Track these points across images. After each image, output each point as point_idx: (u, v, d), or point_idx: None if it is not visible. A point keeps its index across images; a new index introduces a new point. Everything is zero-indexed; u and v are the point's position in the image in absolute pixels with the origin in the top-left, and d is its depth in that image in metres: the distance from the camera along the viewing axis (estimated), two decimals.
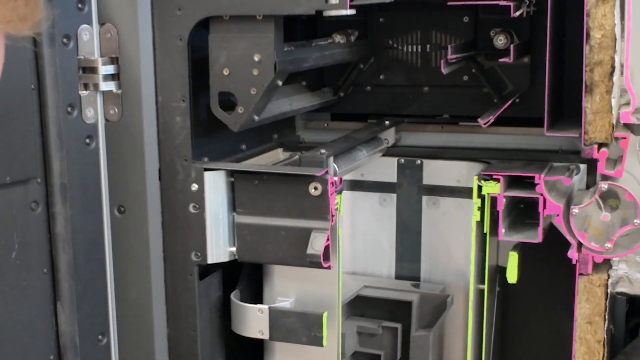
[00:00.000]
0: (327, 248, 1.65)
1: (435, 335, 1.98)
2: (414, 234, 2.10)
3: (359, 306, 2.03)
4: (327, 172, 1.65)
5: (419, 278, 2.12)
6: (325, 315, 1.71)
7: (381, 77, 2.19)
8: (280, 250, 1.69)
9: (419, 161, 2.09)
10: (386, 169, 2.11)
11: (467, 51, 1.99)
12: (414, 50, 2.16)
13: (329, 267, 1.66)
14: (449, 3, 1.84)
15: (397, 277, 2.13)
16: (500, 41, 2.03)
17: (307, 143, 2.23)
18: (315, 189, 1.65)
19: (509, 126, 2.09)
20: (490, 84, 2.07)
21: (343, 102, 2.22)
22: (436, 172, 2.08)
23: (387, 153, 2.11)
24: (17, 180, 1.56)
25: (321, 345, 1.72)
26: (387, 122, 2.12)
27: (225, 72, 1.66)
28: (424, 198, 2.10)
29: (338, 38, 2.05)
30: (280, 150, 2.13)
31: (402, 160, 2.10)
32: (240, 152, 1.96)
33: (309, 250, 1.64)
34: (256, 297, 1.88)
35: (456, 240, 2.08)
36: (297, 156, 2.11)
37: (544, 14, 1.91)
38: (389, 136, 2.12)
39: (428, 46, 2.15)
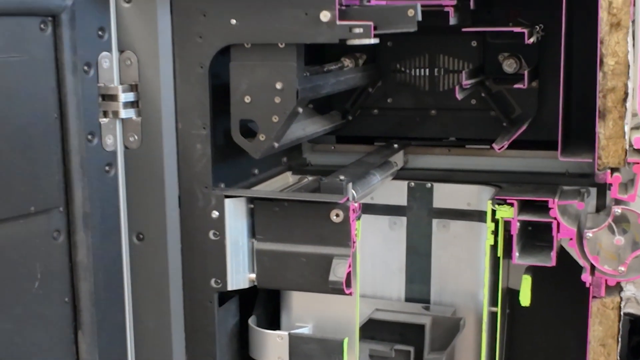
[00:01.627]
0: (348, 274, 1.65)
1: (448, 358, 1.99)
2: (424, 256, 2.12)
3: (370, 329, 2.04)
4: (348, 199, 1.66)
5: (428, 300, 2.14)
6: (346, 341, 1.72)
7: (389, 100, 2.20)
8: (301, 277, 1.69)
9: (429, 184, 2.10)
10: (396, 192, 2.12)
11: (478, 76, 2.01)
12: (422, 74, 2.18)
13: (350, 294, 1.67)
14: (464, 30, 1.86)
15: (407, 299, 2.15)
16: (509, 66, 2.05)
17: (313, 166, 2.24)
18: (337, 215, 1.66)
19: (516, 149, 2.11)
20: (498, 107, 2.09)
21: (349, 125, 2.23)
22: (446, 195, 2.10)
23: (397, 176, 2.12)
24: (41, 210, 1.55)
25: None
26: (395, 145, 2.13)
27: (247, 99, 1.66)
28: (434, 221, 2.12)
29: (347, 62, 2.06)
30: (289, 173, 2.14)
31: (413, 184, 2.11)
32: (253, 177, 1.96)
33: (332, 277, 1.65)
34: (272, 322, 1.88)
35: (466, 263, 2.10)
36: (306, 179, 2.12)
37: (551, 39, 1.94)
38: (398, 159, 2.13)
39: (436, 70, 2.17)
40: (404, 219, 2.14)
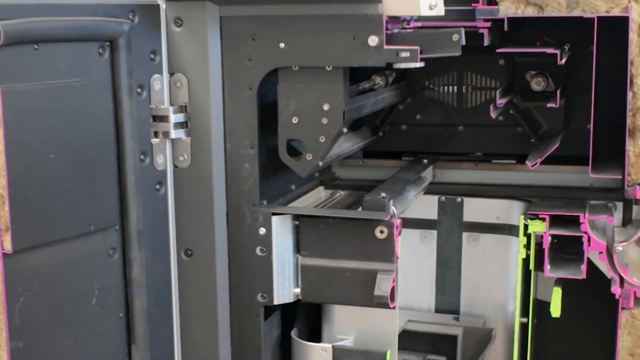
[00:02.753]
0: (392, 289, 1.71)
1: None
2: (454, 269, 2.18)
3: (403, 340, 2.10)
4: (392, 217, 1.72)
5: (458, 312, 2.20)
6: (388, 353, 1.78)
7: (417, 116, 2.27)
8: (345, 291, 1.75)
9: (459, 199, 2.17)
10: (427, 207, 2.18)
11: (509, 94, 2.07)
12: (450, 90, 2.24)
13: (394, 307, 1.72)
14: (498, 51, 1.92)
15: (437, 310, 2.20)
16: (537, 84, 2.12)
17: (342, 180, 2.30)
18: (382, 232, 1.71)
19: (542, 164, 2.17)
20: (526, 124, 2.16)
21: (378, 140, 2.29)
22: (476, 209, 2.16)
23: (427, 191, 2.18)
24: (100, 229, 1.60)
25: None
26: (425, 161, 2.20)
27: (294, 120, 1.72)
28: (464, 234, 2.18)
29: (378, 80, 2.11)
30: (321, 188, 2.20)
31: (443, 198, 2.17)
32: (290, 193, 2.02)
33: (377, 292, 1.70)
34: (311, 334, 1.93)
35: (496, 275, 2.17)
36: (338, 194, 2.18)
37: (576, 58, 2.01)
38: (427, 174, 2.19)
39: (463, 87, 2.23)
40: (434, 232, 2.20)
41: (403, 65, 1.65)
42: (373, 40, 1.63)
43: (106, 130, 1.60)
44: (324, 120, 1.71)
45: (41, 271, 1.51)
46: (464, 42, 1.65)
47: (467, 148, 2.26)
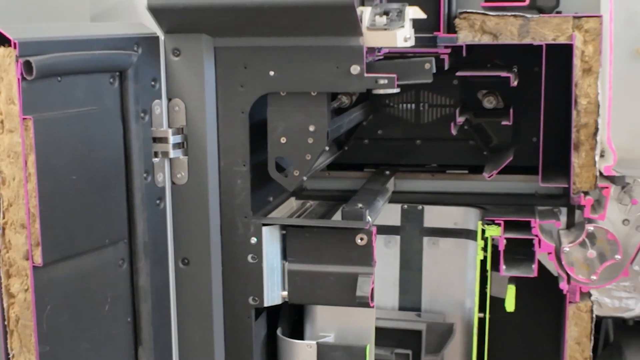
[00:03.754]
0: (372, 290, 1.91)
1: (442, 359, 2.28)
2: (416, 270, 2.39)
3: None
4: (370, 225, 1.93)
5: (420, 309, 2.41)
6: (368, 347, 1.98)
7: (379, 132, 2.47)
8: (329, 293, 1.94)
9: (420, 207, 2.38)
10: (390, 214, 2.39)
11: (465, 112, 2.30)
12: (408, 108, 2.46)
13: (373, 306, 1.93)
14: (458, 74, 2.14)
15: (400, 308, 2.41)
16: (489, 102, 2.35)
17: (310, 191, 2.49)
18: (362, 239, 1.92)
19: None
20: (479, 138, 2.38)
21: (342, 154, 2.49)
22: (436, 216, 2.38)
23: (391, 200, 2.39)
24: (113, 242, 1.77)
25: None
26: (387, 172, 2.41)
27: (283, 140, 1.91)
28: (425, 239, 2.39)
29: (344, 99, 2.31)
30: (293, 199, 2.39)
31: (406, 206, 2.39)
32: (268, 204, 2.20)
33: (359, 293, 1.90)
34: (292, 333, 2.12)
35: (454, 275, 2.39)
36: (309, 204, 2.38)
37: (523, 78, 2.24)
38: (390, 184, 2.40)
39: (421, 105, 2.45)
40: (397, 238, 2.41)
41: (382, 91, 1.85)
42: (355, 69, 1.83)
43: (117, 152, 1.77)
44: (310, 140, 1.90)
45: (64, 282, 1.67)
46: (434, 70, 1.86)
47: (424, 160, 2.48)
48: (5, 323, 1.65)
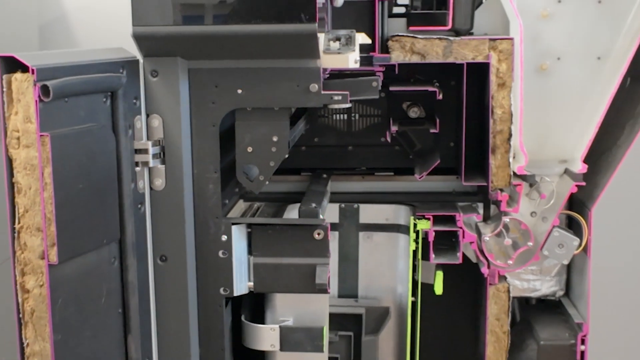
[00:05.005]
0: (328, 278, 2.21)
1: (379, 339, 2.59)
2: (353, 261, 2.69)
3: None
4: (326, 221, 2.22)
5: (357, 295, 2.71)
6: (325, 328, 2.27)
7: (315, 139, 2.77)
8: (290, 282, 2.21)
9: (355, 205, 2.68)
10: (330, 212, 2.68)
11: (395, 122, 2.61)
12: (341, 118, 2.76)
13: (329, 292, 2.22)
14: (391, 89, 2.45)
15: (340, 295, 2.71)
16: (414, 113, 2.67)
17: (252, 194, 2.75)
18: (319, 234, 2.20)
19: (413, 175, 2.73)
20: (405, 143, 2.71)
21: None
22: (369, 213, 2.68)
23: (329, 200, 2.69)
24: (109, 242, 2.01)
25: (322, 352, 2.27)
26: (324, 175, 2.70)
27: (249, 149, 2.18)
28: (360, 234, 2.69)
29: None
30: (241, 201, 2.65)
31: (343, 205, 2.68)
32: (225, 206, 2.46)
33: (318, 281, 2.18)
34: (253, 318, 2.39)
35: (386, 264, 2.70)
36: (256, 205, 2.65)
37: (443, 90, 2.56)
38: (328, 186, 2.70)
39: (352, 115, 2.76)
40: (336, 233, 2.70)
41: (336, 106, 2.15)
42: (313, 87, 2.11)
43: (111, 162, 2.01)
44: (274, 149, 2.17)
45: (72, 278, 1.90)
46: (380, 88, 2.17)
47: (355, 164, 2.78)
48: (20, 316, 1.88)
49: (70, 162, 1.86)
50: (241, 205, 2.64)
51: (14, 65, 1.81)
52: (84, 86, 1.90)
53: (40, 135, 1.79)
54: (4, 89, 1.80)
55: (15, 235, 1.85)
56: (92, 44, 3.19)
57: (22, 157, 1.82)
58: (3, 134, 1.82)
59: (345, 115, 2.76)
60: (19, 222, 1.84)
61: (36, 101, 1.78)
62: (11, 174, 1.84)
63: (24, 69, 1.80)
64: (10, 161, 1.83)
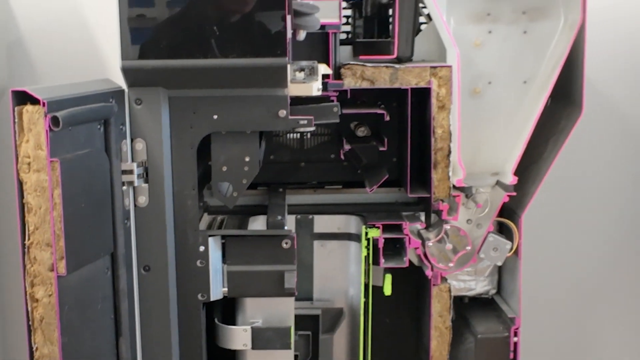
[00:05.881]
0: (295, 282, 2.47)
1: (335, 337, 2.87)
2: (308, 267, 2.95)
3: None
4: (293, 232, 2.48)
5: (312, 298, 2.98)
6: (292, 327, 2.53)
7: (271, 157, 3.03)
8: (260, 287, 2.46)
9: (310, 216, 2.95)
10: (287, 223, 2.93)
11: (347, 141, 2.89)
12: (294, 137, 3.03)
13: (296, 295, 2.49)
14: (344, 111, 2.73)
15: (296, 299, 2.95)
16: (362, 132, 2.95)
17: (215, 207, 2.99)
18: (287, 243, 2.46)
19: (360, 187, 3.01)
20: (353, 159, 2.99)
21: None
22: (323, 223, 2.94)
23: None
24: (104, 254, 2.24)
25: (290, 348, 2.54)
26: (280, 189, 2.97)
27: (224, 169, 2.43)
28: (315, 242, 2.95)
29: None
30: (205, 214, 2.90)
31: (299, 217, 2.94)
32: None
33: (287, 285, 2.44)
34: (224, 319, 2.63)
35: (338, 269, 2.96)
36: (220, 217, 2.89)
37: (387, 111, 2.83)
38: (285, 200, 2.96)
39: (304, 134, 3.03)
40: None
41: (302, 130, 2.42)
42: (282, 113, 2.37)
43: (106, 183, 2.23)
44: (246, 168, 2.43)
45: (76, 287, 2.12)
46: (340, 113, 2.45)
47: (307, 178, 3.05)
48: (30, 323, 2.09)
49: (76, 184, 2.08)
50: (206, 218, 2.88)
51: (23, 97, 2.03)
52: (86, 115, 2.12)
53: (51, 161, 2.01)
54: (16, 120, 2.02)
55: (26, 250, 2.07)
56: (53, 66, 3.40)
57: (32, 180, 2.03)
58: (15, 160, 2.04)
59: (298, 135, 3.03)
60: (29, 239, 2.06)
61: (47, 130, 2.00)
62: (22, 196, 2.05)
63: (33, 100, 2.02)
64: (21, 184, 2.05)
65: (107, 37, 3.40)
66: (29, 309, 2.08)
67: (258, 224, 2.84)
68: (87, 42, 3.41)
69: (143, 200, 2.39)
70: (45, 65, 3.44)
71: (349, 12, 3.13)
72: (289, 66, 2.36)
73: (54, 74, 3.39)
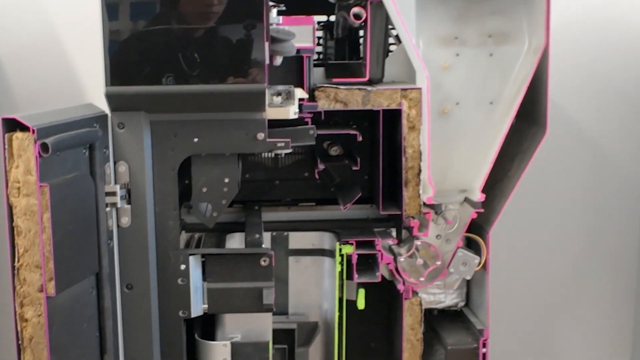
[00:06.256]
0: (274, 298, 2.56)
1: (310, 350, 2.96)
2: (283, 283, 3.04)
3: None
4: (270, 250, 2.58)
5: (287, 313, 3.07)
6: (270, 342, 2.62)
7: (247, 175, 3.11)
8: (239, 304, 2.55)
9: (285, 233, 3.04)
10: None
11: (321, 160, 2.99)
12: (269, 156, 3.12)
13: (274, 310, 2.58)
14: (318, 132, 2.83)
15: (273, 313, 3.04)
16: (335, 151, 3.05)
17: (190, 224, 3.07)
18: (265, 261, 2.55)
19: (334, 205, 3.10)
20: (327, 178, 3.08)
21: None
22: (298, 239, 3.03)
23: None
24: (90, 274, 2.31)
25: None
26: (256, 207, 3.06)
27: (204, 190, 2.51)
28: (290, 258, 3.05)
29: None
30: (183, 232, 2.97)
31: (275, 233, 3.03)
32: None
33: (265, 301, 2.53)
34: (204, 335, 2.71)
35: (313, 284, 3.05)
36: (198, 235, 2.97)
37: (359, 131, 2.94)
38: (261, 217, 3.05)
39: (278, 154, 3.12)
40: None
41: (279, 151, 2.51)
42: (260, 136, 2.47)
43: (92, 205, 2.31)
44: (225, 189, 2.52)
45: (63, 307, 2.20)
46: (316, 135, 2.55)
47: (281, 196, 3.14)
48: (20, 342, 2.16)
49: (64, 207, 2.16)
50: (183, 236, 2.95)
51: (13, 124, 2.10)
52: (73, 141, 2.20)
53: (40, 186, 2.09)
54: (6, 146, 2.10)
55: (16, 272, 2.14)
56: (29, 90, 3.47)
57: (22, 205, 2.11)
58: (4, 185, 2.11)
59: (273, 154, 3.12)
60: (18, 261, 2.13)
61: (36, 157, 2.08)
62: (11, 219, 2.13)
63: (22, 127, 2.10)
64: (10, 208, 2.12)
65: (82, 62, 3.48)
66: (19, 328, 2.15)
67: (235, 241, 2.92)
68: (62, 67, 3.49)
69: (126, 220, 2.47)
70: (21, 89, 3.51)
71: (320, 32, 3.23)
72: (267, 91, 2.45)
73: (31, 97, 3.47)
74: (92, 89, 3.31)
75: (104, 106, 2.41)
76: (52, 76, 3.51)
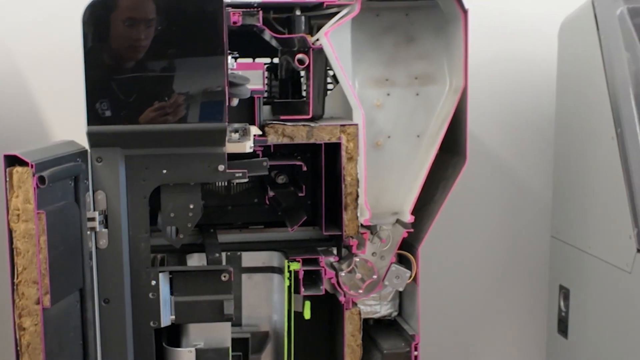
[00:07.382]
0: (233, 309, 2.93)
1: (262, 356, 3.33)
2: (237, 297, 3.38)
3: None
4: (229, 267, 2.94)
5: (241, 324, 3.43)
6: (229, 348, 2.99)
7: (203, 202, 3.47)
8: (203, 314, 2.91)
9: (238, 253, 3.40)
10: None
11: (271, 188, 3.37)
12: (223, 184, 3.49)
13: (233, 320, 2.94)
14: (270, 163, 3.21)
15: None
16: (281, 180, 3.43)
17: (154, 246, 3.41)
18: (225, 277, 2.92)
19: (281, 227, 3.48)
20: (275, 203, 3.46)
21: None
22: (250, 258, 3.39)
23: None
24: (76, 289, 2.65)
25: None
26: (212, 230, 3.42)
27: (172, 214, 2.87)
28: (243, 275, 3.41)
29: None
30: None
31: (229, 253, 3.40)
32: None
33: (226, 312, 2.89)
34: (169, 342, 3.06)
35: (263, 298, 3.42)
36: (162, 255, 3.32)
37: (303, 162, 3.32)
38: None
39: (230, 181, 3.49)
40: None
41: (237, 181, 2.89)
42: (221, 167, 2.83)
43: (77, 229, 2.65)
44: (190, 214, 2.88)
45: (56, 317, 2.53)
46: (268, 167, 2.94)
47: (234, 220, 3.50)
48: (18, 348, 2.49)
49: (56, 231, 2.50)
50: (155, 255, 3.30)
51: (12, 159, 2.45)
52: (63, 173, 2.55)
53: (38, 213, 2.43)
54: (7, 179, 2.44)
55: (15, 287, 2.47)
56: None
57: (21, 229, 2.45)
58: (6, 212, 2.45)
59: (226, 182, 3.49)
60: (17, 277, 2.46)
61: (34, 188, 2.42)
62: (11, 242, 2.46)
63: (20, 162, 2.44)
64: (10, 232, 2.46)
65: (48, 103, 3.84)
66: (17, 336, 2.48)
67: (194, 260, 3.28)
68: (29, 109, 3.85)
69: (103, 242, 2.81)
70: None
71: (265, 73, 3.62)
72: (227, 129, 2.82)
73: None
74: (58, 128, 3.66)
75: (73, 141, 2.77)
76: (19, 117, 3.85)
